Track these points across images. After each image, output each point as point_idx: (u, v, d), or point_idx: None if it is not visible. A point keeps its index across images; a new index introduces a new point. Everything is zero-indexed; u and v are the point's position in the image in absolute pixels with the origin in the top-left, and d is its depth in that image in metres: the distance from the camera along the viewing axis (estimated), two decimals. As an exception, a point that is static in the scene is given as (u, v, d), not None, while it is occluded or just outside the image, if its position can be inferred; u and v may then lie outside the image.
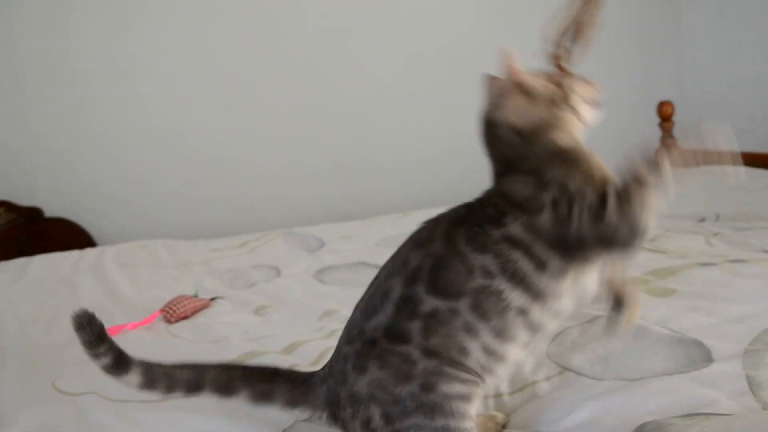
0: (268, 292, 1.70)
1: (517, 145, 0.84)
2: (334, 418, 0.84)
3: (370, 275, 0.94)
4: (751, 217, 1.92)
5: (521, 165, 0.83)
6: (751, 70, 2.99)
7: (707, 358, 1.08)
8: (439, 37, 2.95)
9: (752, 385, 0.98)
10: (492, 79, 0.87)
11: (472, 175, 2.94)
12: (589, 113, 0.90)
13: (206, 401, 0.90)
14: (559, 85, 0.87)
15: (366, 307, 0.85)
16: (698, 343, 1.12)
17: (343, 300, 1.50)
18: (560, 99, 0.85)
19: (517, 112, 0.84)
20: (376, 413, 0.79)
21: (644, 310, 1.29)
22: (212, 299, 1.63)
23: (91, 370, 0.90)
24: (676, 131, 2.94)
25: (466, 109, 2.98)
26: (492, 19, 3.04)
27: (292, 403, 0.88)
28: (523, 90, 0.84)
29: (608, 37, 3.17)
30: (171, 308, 1.51)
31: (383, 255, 1.85)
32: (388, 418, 0.79)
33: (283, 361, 1.18)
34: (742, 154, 2.67)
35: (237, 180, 2.78)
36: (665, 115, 2.84)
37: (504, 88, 0.85)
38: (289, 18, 2.75)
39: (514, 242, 0.79)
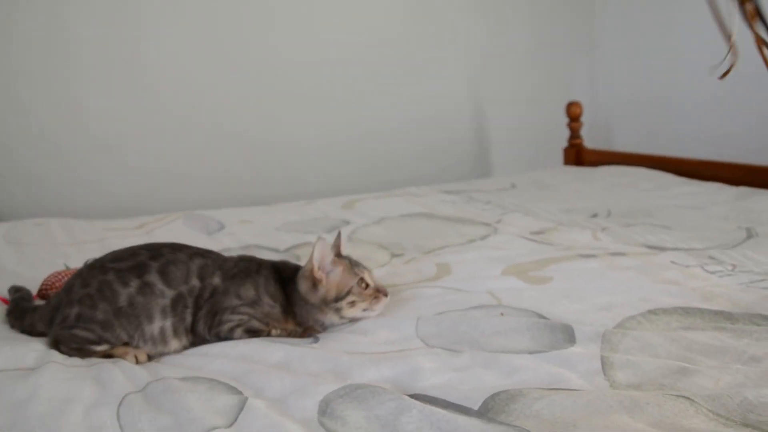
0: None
1: None
2: None
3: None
4: (639, 213, 2.00)
5: None
6: (660, 75, 3.12)
7: (570, 340, 1.12)
8: (356, 26, 2.94)
9: (605, 365, 1.03)
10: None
11: (375, 165, 2.98)
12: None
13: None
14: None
15: None
16: (565, 327, 1.16)
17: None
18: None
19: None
20: None
21: (520, 295, 1.34)
22: (86, 263, 1.57)
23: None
24: (584, 131, 3.04)
25: (376, 100, 3.02)
26: (408, 11, 3.07)
27: None
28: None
29: (522, 37, 3.29)
30: (51, 286, 1.46)
31: (280, 239, 1.86)
32: None
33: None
34: (644, 157, 2.80)
35: (145, 162, 2.69)
36: (573, 115, 2.94)
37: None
38: (203, 2, 2.69)
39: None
